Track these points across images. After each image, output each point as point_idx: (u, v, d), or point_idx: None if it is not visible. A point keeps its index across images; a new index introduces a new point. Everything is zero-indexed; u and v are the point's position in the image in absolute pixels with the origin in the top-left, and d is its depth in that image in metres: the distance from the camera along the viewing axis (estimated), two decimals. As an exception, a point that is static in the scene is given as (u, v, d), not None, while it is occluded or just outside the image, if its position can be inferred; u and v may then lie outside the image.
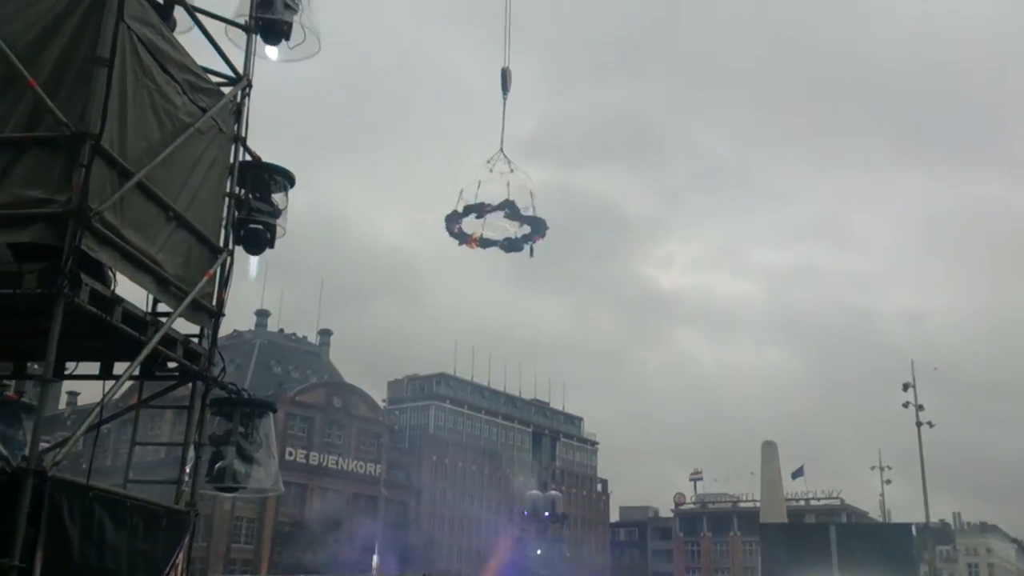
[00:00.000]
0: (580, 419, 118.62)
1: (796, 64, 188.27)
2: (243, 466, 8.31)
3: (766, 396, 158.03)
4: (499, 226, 19.64)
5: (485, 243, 19.80)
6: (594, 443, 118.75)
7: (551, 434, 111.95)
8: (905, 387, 48.72)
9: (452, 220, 19.60)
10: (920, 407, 48.35)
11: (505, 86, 19.02)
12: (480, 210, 19.37)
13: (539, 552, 41.50)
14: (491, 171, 18.98)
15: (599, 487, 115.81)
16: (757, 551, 60.13)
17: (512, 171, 19.01)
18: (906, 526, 27.46)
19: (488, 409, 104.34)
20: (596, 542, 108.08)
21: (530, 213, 19.33)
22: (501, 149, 18.87)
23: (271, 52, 10.46)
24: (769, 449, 66.67)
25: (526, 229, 19.62)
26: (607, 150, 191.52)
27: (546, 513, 42.78)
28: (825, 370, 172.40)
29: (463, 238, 19.86)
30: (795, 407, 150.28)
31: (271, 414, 8.89)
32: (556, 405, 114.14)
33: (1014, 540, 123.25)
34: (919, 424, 48.16)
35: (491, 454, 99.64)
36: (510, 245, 19.76)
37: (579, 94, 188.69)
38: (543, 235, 19.69)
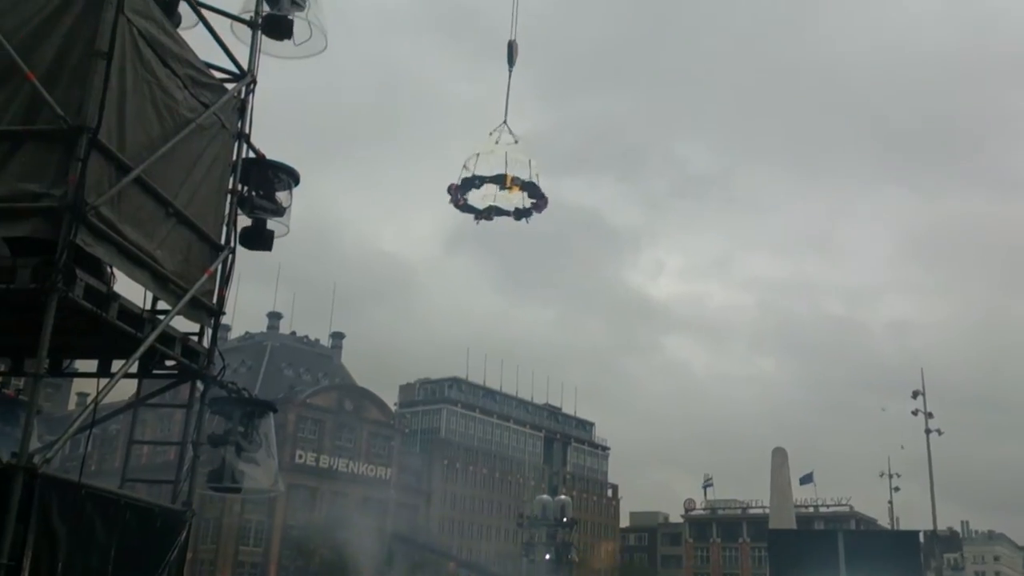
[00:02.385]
0: (591, 424, 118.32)
1: (774, 77, 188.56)
2: (241, 466, 8.20)
3: (760, 404, 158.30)
4: (503, 198, 19.41)
5: (495, 212, 19.52)
6: (605, 448, 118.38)
7: (562, 439, 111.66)
8: (915, 395, 48.62)
9: (456, 191, 19.32)
10: (929, 415, 48.12)
11: (511, 59, 19.10)
12: (484, 181, 19.14)
13: (548, 557, 41.34)
14: (496, 142, 18.84)
15: (609, 492, 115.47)
16: (766, 557, 59.72)
17: (516, 142, 18.86)
18: (914, 533, 27.07)
19: (500, 413, 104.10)
20: (606, 547, 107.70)
21: (533, 181, 19.13)
22: (505, 121, 18.82)
23: (280, 48, 10.37)
24: (779, 456, 66.21)
25: (529, 201, 19.42)
26: (592, 161, 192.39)
27: (555, 518, 42.63)
28: (817, 379, 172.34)
29: (470, 210, 19.60)
30: (793, 416, 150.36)
31: (271, 414, 8.78)
32: (567, 410, 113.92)
33: (1021, 548, 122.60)
34: (928, 431, 47.87)
35: (502, 458, 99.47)
36: (519, 214, 19.48)
37: (564, 106, 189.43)
38: (545, 205, 19.47)
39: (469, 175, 18.88)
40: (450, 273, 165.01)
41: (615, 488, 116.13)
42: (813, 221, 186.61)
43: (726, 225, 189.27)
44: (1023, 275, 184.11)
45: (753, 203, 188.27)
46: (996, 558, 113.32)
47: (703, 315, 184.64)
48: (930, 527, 50.59)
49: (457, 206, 19.48)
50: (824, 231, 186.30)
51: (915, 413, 48.22)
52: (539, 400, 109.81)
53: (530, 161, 19.06)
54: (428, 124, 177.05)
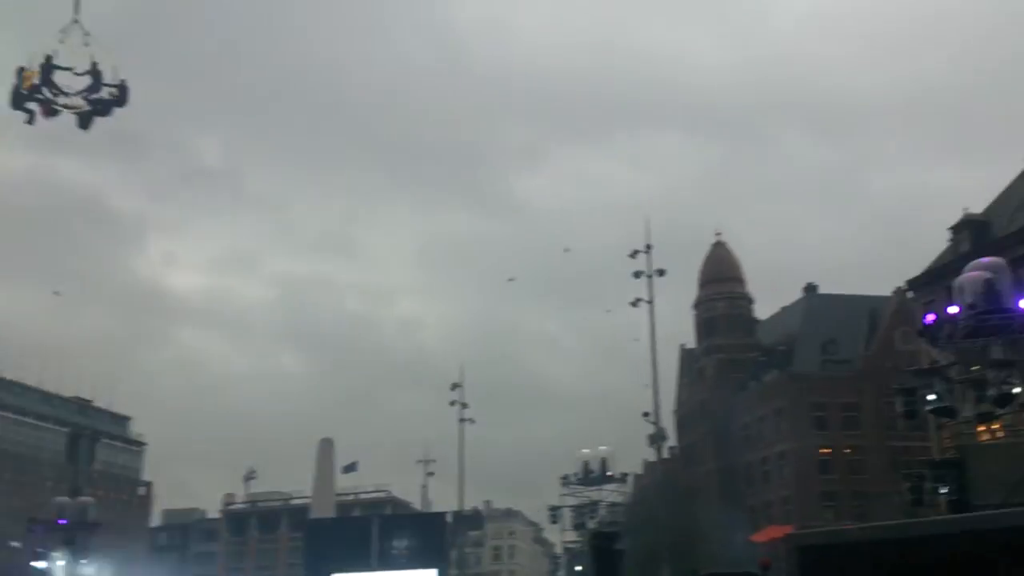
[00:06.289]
0: (127, 419, 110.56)
1: (287, 82, 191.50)
2: None
3: (293, 399, 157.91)
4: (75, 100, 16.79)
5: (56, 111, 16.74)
6: (140, 444, 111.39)
7: (91, 435, 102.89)
8: (453, 387, 52.06)
9: (23, 96, 16.18)
10: (465, 405, 51.71)
11: None
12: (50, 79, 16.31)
13: (61, 564, 37.38)
14: (62, 42, 16.26)
15: (142, 491, 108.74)
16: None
17: (88, 44, 16.41)
18: (440, 514, 28.70)
19: (16, 407, 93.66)
20: (135, 548, 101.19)
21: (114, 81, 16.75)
22: (75, 19, 16.43)
23: None
24: (325, 446, 67.05)
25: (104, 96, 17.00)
26: (89, 140, 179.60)
27: (61, 520, 38.69)
28: (341, 373, 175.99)
29: (29, 108, 16.55)
30: (324, 409, 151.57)
31: None
32: (101, 404, 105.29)
33: (532, 523, 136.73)
34: (462, 420, 51.58)
35: (15, 457, 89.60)
36: (97, 106, 16.79)
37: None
38: (126, 100, 17.06)
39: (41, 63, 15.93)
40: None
41: (149, 486, 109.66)
42: (331, 223, 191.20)
43: (243, 221, 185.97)
44: (496, 287, 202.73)
45: (271, 202, 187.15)
46: (511, 532, 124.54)
47: (222, 310, 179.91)
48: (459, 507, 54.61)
49: (23, 98, 16.17)
50: (343, 234, 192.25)
51: (452, 403, 51.79)
52: (71, 393, 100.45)
53: (114, 67, 16.73)
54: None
